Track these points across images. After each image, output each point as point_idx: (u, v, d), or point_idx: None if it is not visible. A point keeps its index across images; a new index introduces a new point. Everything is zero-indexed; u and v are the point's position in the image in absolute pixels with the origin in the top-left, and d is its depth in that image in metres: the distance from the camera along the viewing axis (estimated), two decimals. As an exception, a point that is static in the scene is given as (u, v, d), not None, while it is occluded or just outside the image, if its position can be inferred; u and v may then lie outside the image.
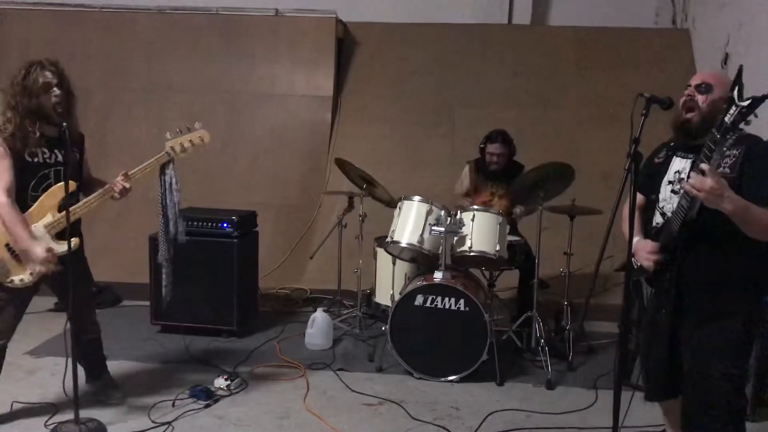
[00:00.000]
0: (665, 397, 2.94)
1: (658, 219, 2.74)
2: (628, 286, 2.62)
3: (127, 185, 3.40)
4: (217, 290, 4.78)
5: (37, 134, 3.27)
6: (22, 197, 3.29)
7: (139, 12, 7.08)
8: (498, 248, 4.27)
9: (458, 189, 5.21)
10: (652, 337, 2.87)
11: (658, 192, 2.74)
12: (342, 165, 4.97)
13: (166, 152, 3.49)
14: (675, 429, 2.96)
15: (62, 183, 3.24)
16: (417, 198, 4.47)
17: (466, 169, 5.17)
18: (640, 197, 2.76)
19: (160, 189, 3.55)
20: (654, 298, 2.80)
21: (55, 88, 3.26)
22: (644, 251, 2.68)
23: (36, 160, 3.31)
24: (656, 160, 2.83)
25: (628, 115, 2.50)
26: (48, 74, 3.27)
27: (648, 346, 2.93)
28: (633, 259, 2.76)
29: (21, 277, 3.29)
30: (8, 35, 6.94)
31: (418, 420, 3.69)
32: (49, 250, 3.22)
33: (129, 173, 3.41)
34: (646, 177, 2.77)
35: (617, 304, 3.52)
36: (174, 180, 3.54)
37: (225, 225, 4.80)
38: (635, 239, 2.74)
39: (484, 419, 3.71)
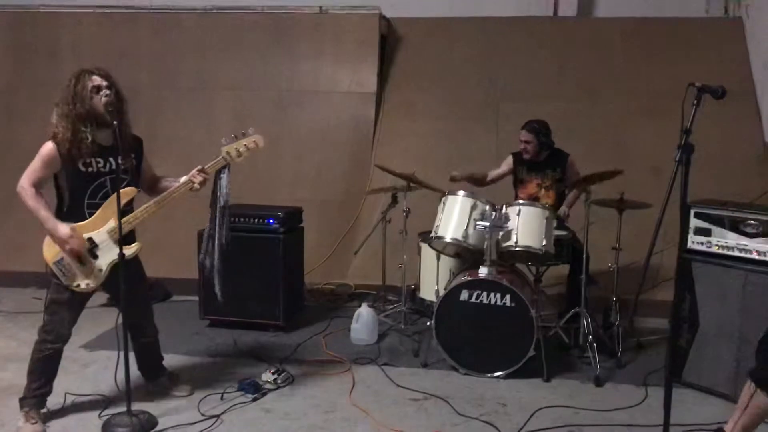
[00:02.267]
0: None
1: None
2: (680, 282, 2.57)
3: (206, 176, 3.54)
4: (264, 285, 4.85)
5: (89, 139, 3.32)
6: (78, 205, 3.40)
7: (187, 12, 7.18)
8: (544, 243, 4.20)
9: (490, 173, 5.21)
10: None
11: None
12: (384, 169, 4.99)
13: (223, 157, 3.57)
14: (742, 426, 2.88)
15: (124, 189, 3.37)
16: (461, 193, 4.43)
17: (509, 159, 5.14)
18: None
19: (214, 192, 3.65)
20: None
21: (105, 90, 3.33)
22: None
23: (90, 169, 3.38)
24: None
25: (678, 107, 2.44)
26: (96, 78, 3.35)
27: None
28: None
29: (87, 281, 3.41)
30: (60, 37, 7.12)
31: (464, 416, 3.67)
32: (73, 228, 3.32)
33: (204, 168, 3.55)
34: None
35: (668, 300, 3.44)
36: (225, 183, 3.62)
37: (271, 221, 4.85)
38: None
39: (532, 415, 3.67)
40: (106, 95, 3.32)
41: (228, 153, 3.57)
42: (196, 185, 3.52)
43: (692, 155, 2.46)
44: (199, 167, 3.54)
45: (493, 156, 6.18)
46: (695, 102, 2.42)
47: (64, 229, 3.31)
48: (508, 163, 5.14)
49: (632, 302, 4.61)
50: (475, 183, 5.10)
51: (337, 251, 6.28)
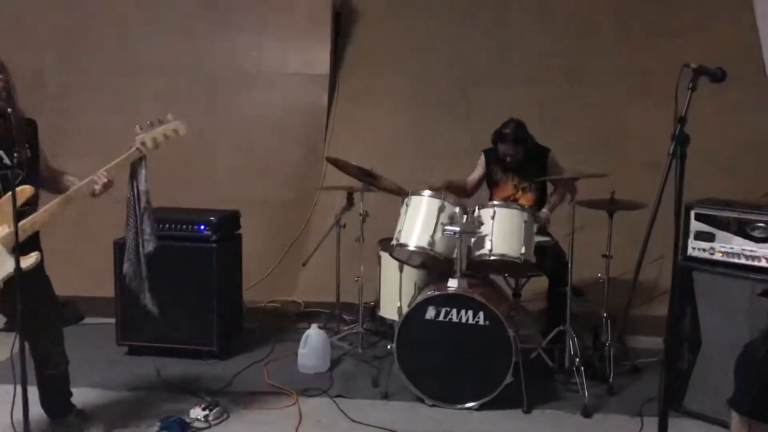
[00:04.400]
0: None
1: None
2: (675, 295, 2.56)
3: (110, 176, 3.47)
4: (194, 304, 4.81)
5: None
6: None
7: (102, -19, 7.07)
8: (523, 251, 4.22)
9: (468, 180, 5.21)
10: None
11: None
12: (336, 163, 4.93)
13: (137, 148, 3.53)
14: None
15: (20, 188, 3.26)
16: (427, 192, 4.44)
17: (481, 158, 5.15)
18: None
19: (130, 191, 3.60)
20: None
21: None
22: None
23: None
24: None
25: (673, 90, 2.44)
26: None
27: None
28: None
29: None
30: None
31: (430, 455, 3.66)
32: None
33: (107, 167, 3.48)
34: None
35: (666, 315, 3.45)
36: (144, 179, 3.58)
37: (202, 227, 4.81)
38: None
39: (508, 453, 3.67)
40: None
41: (143, 143, 3.53)
42: (98, 187, 3.45)
43: (688, 147, 2.45)
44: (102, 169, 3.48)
45: (466, 150, 6.19)
46: (691, 86, 2.42)
47: None
48: (481, 164, 5.15)
49: (621, 318, 4.63)
50: (458, 193, 5.05)
51: (284, 262, 6.26)
